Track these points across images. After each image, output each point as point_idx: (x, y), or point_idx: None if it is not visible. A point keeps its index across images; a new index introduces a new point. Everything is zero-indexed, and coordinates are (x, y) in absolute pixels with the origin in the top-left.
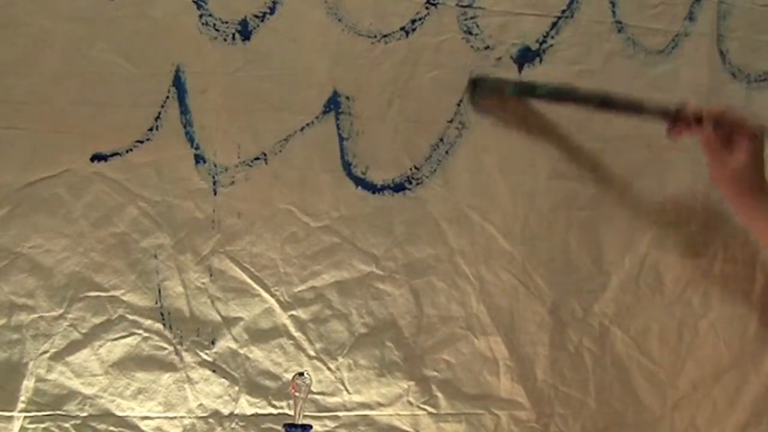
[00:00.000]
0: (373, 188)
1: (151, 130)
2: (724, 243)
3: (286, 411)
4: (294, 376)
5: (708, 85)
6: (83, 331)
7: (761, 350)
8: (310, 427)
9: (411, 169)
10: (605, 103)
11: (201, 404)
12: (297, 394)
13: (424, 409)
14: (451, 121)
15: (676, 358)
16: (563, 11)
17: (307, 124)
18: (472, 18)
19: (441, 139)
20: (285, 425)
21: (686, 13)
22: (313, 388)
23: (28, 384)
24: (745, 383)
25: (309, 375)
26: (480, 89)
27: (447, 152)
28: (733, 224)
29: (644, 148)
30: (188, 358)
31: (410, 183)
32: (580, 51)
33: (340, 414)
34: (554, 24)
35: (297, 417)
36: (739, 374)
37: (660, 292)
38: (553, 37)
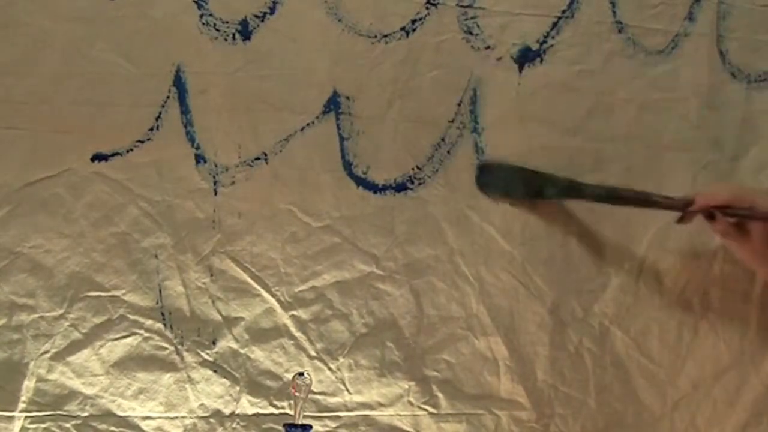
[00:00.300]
0: (374, 188)
1: (151, 129)
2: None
3: (287, 411)
4: (294, 376)
5: (708, 85)
6: (84, 331)
7: (761, 350)
8: (310, 427)
9: (413, 169)
10: (613, 197)
11: (202, 404)
12: (297, 393)
13: (425, 410)
14: (452, 122)
15: (675, 358)
16: (563, 11)
17: (308, 124)
18: (472, 18)
19: (443, 139)
20: (285, 425)
21: (686, 14)
22: (313, 388)
23: (28, 384)
24: (745, 383)
25: (309, 375)
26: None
27: (448, 152)
28: None
29: (644, 149)
30: (189, 358)
31: (412, 183)
32: (580, 51)
33: (340, 414)
34: (555, 24)
35: (297, 417)
36: (739, 374)
37: (659, 293)
38: (553, 37)
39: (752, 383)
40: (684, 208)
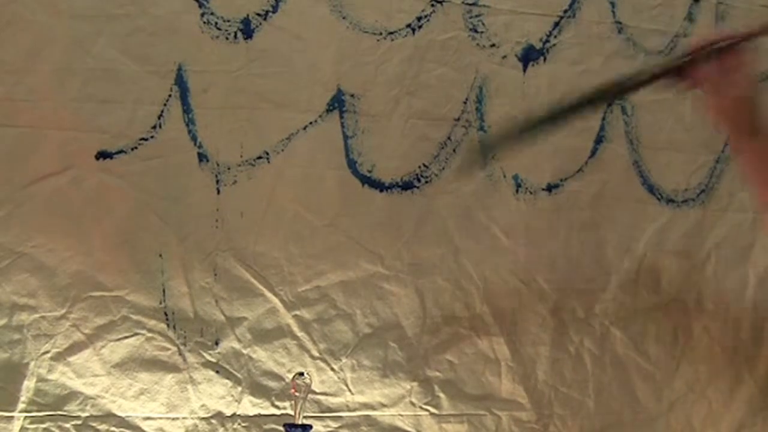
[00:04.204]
0: (380, 186)
1: (154, 128)
2: (717, 244)
3: (289, 411)
4: (294, 376)
5: None
6: (86, 331)
7: (754, 351)
8: (311, 426)
9: (420, 167)
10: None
11: (204, 405)
12: (297, 393)
13: (427, 410)
14: (458, 120)
15: (671, 359)
16: (565, 11)
17: (311, 123)
18: (477, 16)
19: (449, 137)
20: (285, 425)
21: (685, 14)
22: (316, 389)
23: (28, 384)
24: (740, 383)
25: (309, 375)
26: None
27: (455, 150)
28: (726, 225)
29: (644, 149)
30: (191, 358)
31: (419, 181)
32: (581, 51)
33: (342, 414)
34: (556, 24)
35: (297, 417)
36: (733, 375)
37: (657, 293)
38: (555, 37)
39: (746, 383)
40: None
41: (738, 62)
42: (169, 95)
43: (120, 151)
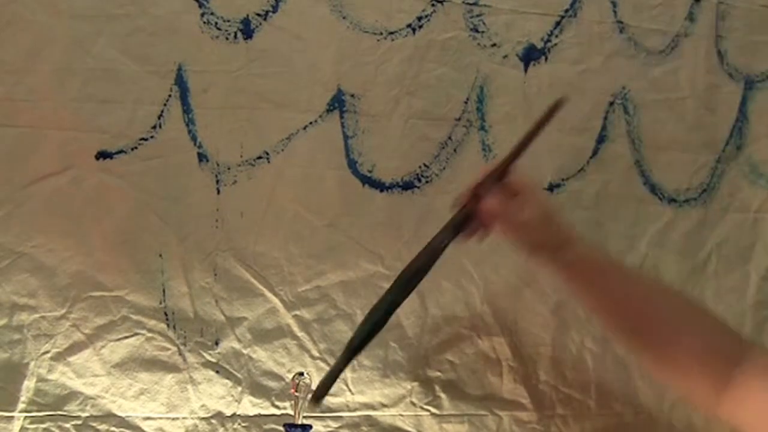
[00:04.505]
0: (381, 186)
1: (154, 128)
2: (718, 244)
3: (289, 411)
4: (294, 376)
5: (705, 85)
6: (86, 331)
7: None
8: (310, 426)
9: (420, 167)
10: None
11: (203, 405)
12: (297, 393)
13: (427, 410)
14: (458, 119)
15: None
16: (566, 10)
17: (311, 123)
18: (478, 16)
19: (449, 137)
20: (285, 425)
21: (686, 14)
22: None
23: (28, 384)
24: None
25: (309, 374)
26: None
27: (455, 150)
28: (727, 225)
29: (646, 148)
30: (192, 358)
31: (419, 181)
32: (582, 50)
33: (342, 414)
34: (557, 23)
35: (297, 417)
36: None
37: None
38: (557, 36)
39: None
40: (464, 217)
41: (518, 185)
42: (169, 95)
43: (120, 151)
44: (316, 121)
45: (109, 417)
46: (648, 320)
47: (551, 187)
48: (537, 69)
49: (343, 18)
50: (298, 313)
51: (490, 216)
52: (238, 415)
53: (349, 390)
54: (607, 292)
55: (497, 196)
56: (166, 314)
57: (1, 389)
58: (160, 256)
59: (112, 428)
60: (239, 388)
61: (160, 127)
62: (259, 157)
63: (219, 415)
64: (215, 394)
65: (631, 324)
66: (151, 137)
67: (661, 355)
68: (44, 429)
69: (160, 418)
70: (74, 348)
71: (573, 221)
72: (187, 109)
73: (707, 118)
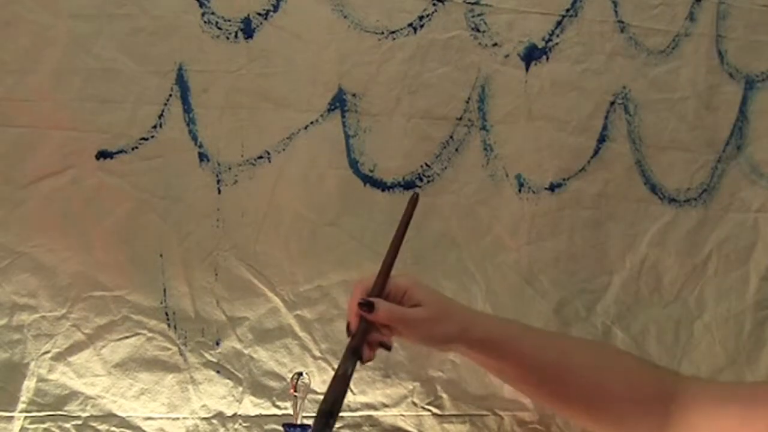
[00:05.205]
0: (382, 186)
1: (155, 127)
2: (719, 243)
3: (290, 411)
4: (293, 376)
5: (706, 85)
6: (86, 331)
7: (756, 350)
8: (310, 426)
9: (422, 166)
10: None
11: (204, 405)
12: (296, 393)
13: (429, 410)
14: (460, 119)
15: (672, 358)
16: (567, 10)
17: (312, 122)
18: (479, 15)
19: (451, 137)
20: (284, 425)
21: (686, 14)
22: (317, 389)
23: (29, 384)
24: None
25: (308, 374)
26: None
27: (457, 150)
28: (727, 225)
29: (647, 148)
30: (192, 358)
31: (421, 180)
32: (583, 50)
33: (344, 414)
34: (559, 23)
35: (297, 417)
36: (735, 374)
37: (658, 292)
38: (558, 36)
39: None
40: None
41: (402, 286)
42: (170, 95)
43: (120, 151)
44: (317, 120)
45: (109, 417)
46: (568, 376)
47: (552, 187)
48: (538, 68)
49: (345, 17)
50: (299, 312)
51: (388, 323)
52: (239, 416)
53: (351, 390)
54: (521, 361)
55: (386, 304)
56: (166, 314)
57: (1, 389)
58: (161, 255)
59: (113, 428)
60: (240, 388)
61: (160, 126)
62: (260, 157)
63: (220, 415)
64: (216, 394)
65: (554, 385)
66: (152, 137)
67: (592, 407)
68: (44, 429)
69: (161, 418)
70: (74, 348)
71: (574, 221)
72: (187, 108)
73: (708, 117)
